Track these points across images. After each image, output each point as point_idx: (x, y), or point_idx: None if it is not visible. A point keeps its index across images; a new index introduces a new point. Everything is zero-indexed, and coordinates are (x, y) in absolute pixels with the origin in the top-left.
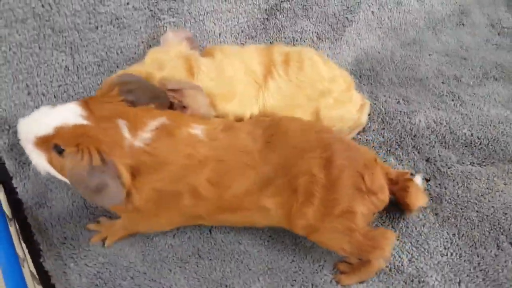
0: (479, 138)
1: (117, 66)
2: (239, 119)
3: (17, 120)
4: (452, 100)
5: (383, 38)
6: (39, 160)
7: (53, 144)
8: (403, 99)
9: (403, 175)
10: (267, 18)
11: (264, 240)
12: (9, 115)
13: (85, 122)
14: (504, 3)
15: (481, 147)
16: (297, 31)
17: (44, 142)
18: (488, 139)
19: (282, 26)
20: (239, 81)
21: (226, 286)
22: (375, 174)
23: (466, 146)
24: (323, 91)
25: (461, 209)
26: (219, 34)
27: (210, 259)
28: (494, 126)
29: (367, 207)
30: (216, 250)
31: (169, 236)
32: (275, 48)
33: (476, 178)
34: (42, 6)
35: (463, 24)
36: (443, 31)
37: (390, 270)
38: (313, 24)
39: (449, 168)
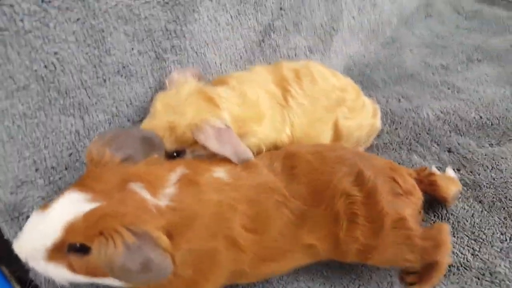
0: (488, 119)
1: (128, 120)
2: (275, 147)
3: (26, 205)
4: (448, 89)
5: (364, 42)
6: (59, 273)
7: (67, 246)
8: (402, 97)
9: (423, 171)
10: (262, 40)
11: (321, 271)
12: (18, 199)
13: (94, 204)
14: None
15: (493, 127)
16: (291, 48)
17: (57, 251)
18: (497, 118)
19: (277, 45)
20: (264, 104)
21: None
22: (403, 174)
23: (479, 130)
24: (337, 100)
25: (502, 191)
26: (220, 64)
27: None
28: (497, 105)
29: (411, 209)
30: None
31: None
32: (282, 65)
33: (502, 158)
34: (45, 67)
35: (430, 15)
36: (414, 25)
37: (458, 269)
38: (304, 39)
39: (473, 154)
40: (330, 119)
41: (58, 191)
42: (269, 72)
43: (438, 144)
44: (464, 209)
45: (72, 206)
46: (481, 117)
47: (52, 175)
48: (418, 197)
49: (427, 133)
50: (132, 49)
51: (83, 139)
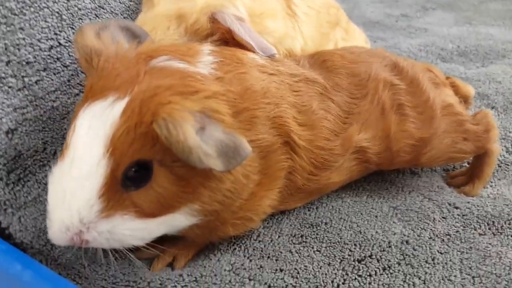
0: (466, 47)
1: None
2: (290, 54)
3: None
4: (416, 30)
5: None
6: (129, 226)
7: (121, 180)
8: (376, 38)
9: None
10: None
11: (363, 186)
12: None
13: (125, 100)
14: None
15: (473, 54)
16: None
17: (112, 195)
18: (473, 46)
19: None
20: (274, 3)
21: (368, 239)
22: (435, 67)
23: (461, 56)
24: (336, 17)
25: (509, 96)
26: None
27: (326, 223)
28: (467, 37)
29: (452, 97)
30: (324, 213)
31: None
32: None
33: (494, 73)
34: None
35: None
36: None
37: (499, 166)
38: None
39: (466, 74)
40: (333, 37)
41: (34, 102)
42: None
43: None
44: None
45: (98, 120)
46: (458, 46)
47: (27, 74)
48: (451, 89)
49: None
50: None
51: (66, 29)
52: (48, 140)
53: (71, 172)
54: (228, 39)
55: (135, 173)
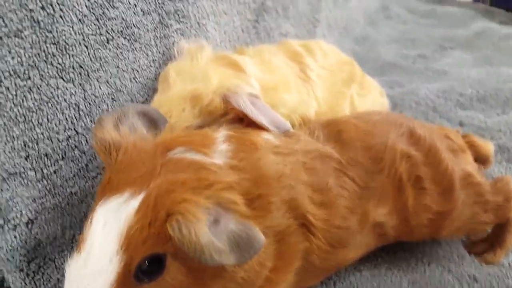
0: (485, 92)
1: (132, 99)
2: (304, 121)
3: (14, 208)
4: (434, 73)
5: (339, 39)
6: None
7: (134, 273)
8: (393, 83)
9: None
10: (256, 20)
11: (382, 257)
12: (3, 199)
13: (140, 196)
14: None
15: (493, 99)
16: (282, 33)
17: (122, 285)
18: (493, 90)
19: (270, 28)
20: (287, 71)
21: None
22: (452, 131)
23: (481, 103)
24: (349, 74)
25: None
26: (220, 43)
27: None
28: (487, 80)
29: (472, 164)
30: None
31: None
32: (289, 42)
33: None
34: (42, 8)
35: (390, 17)
36: (378, 25)
37: None
38: (292, 26)
39: (485, 123)
40: (347, 94)
41: (53, 191)
42: (278, 49)
43: (448, 120)
44: (502, 172)
45: (114, 216)
46: (478, 91)
47: (45, 166)
48: (470, 153)
49: (433, 111)
50: (136, 5)
51: (84, 118)
52: (66, 225)
53: (85, 267)
54: (242, 117)
55: (148, 267)
